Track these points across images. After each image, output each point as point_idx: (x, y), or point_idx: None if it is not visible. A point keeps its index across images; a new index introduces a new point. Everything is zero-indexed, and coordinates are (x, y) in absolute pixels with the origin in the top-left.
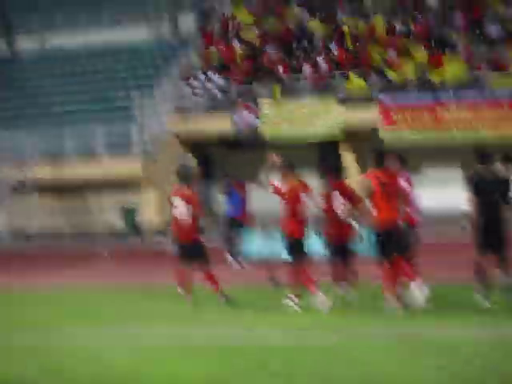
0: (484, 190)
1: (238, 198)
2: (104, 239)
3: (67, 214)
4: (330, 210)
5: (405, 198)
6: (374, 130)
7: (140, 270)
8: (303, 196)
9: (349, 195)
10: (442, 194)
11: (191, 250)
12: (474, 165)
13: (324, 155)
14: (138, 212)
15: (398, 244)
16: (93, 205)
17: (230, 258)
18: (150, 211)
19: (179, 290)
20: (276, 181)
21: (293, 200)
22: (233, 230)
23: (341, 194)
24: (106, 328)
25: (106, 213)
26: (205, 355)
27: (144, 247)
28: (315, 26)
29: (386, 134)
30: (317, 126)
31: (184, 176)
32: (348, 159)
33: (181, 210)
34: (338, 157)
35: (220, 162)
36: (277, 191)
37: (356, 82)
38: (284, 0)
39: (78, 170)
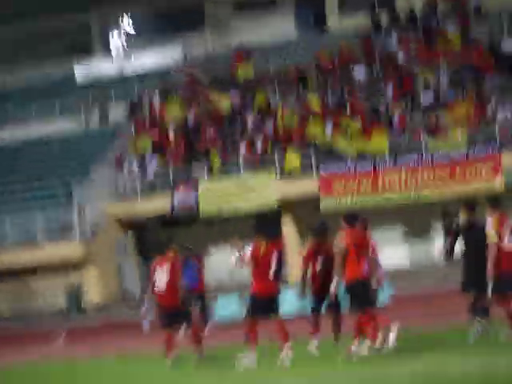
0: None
1: (195, 270)
2: (49, 320)
3: (10, 299)
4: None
5: (374, 257)
6: (314, 201)
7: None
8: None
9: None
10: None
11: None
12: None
13: (261, 225)
14: (82, 291)
15: (367, 297)
16: (36, 288)
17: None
18: (92, 290)
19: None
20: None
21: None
22: (192, 301)
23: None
24: None
25: (50, 295)
26: None
27: (90, 324)
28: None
29: (327, 203)
30: (254, 200)
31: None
32: (288, 229)
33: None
34: (277, 226)
35: (158, 241)
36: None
37: (293, 156)
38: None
39: (19, 256)
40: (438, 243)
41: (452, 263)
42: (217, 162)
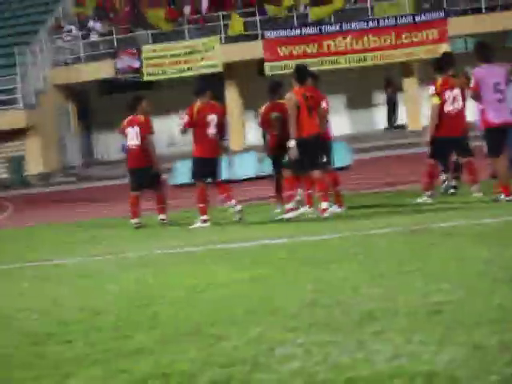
0: None
1: None
2: None
3: None
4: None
5: (324, 115)
6: (259, 65)
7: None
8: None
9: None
10: None
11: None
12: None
13: (202, 87)
14: (24, 161)
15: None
16: None
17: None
18: (34, 160)
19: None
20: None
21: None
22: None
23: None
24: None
25: None
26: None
27: (33, 193)
28: None
29: (272, 67)
30: (199, 64)
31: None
32: (232, 95)
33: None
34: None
35: (102, 108)
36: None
37: (238, 20)
38: None
39: None
40: (380, 111)
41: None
42: (161, 24)
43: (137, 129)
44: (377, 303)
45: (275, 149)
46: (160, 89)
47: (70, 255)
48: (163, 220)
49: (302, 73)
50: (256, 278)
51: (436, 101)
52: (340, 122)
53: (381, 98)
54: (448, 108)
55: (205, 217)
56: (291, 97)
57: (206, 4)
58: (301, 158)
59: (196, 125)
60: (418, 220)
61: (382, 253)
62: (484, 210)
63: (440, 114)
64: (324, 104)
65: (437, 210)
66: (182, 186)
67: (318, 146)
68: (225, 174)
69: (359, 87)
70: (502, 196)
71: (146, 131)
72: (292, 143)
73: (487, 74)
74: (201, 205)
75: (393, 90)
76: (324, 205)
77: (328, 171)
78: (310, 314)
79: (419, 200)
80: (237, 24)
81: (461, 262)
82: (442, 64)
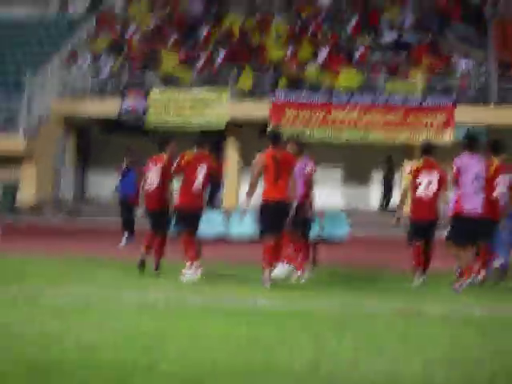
0: None
1: (133, 178)
2: None
3: None
4: None
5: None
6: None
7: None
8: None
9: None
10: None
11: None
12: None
13: (203, 140)
14: (18, 189)
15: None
16: None
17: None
18: (28, 189)
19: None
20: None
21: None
22: (124, 208)
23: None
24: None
25: None
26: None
27: (23, 224)
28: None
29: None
30: (204, 116)
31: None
32: (231, 150)
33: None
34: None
35: (101, 146)
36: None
37: (249, 76)
38: None
39: None
40: (376, 190)
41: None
42: (173, 70)
43: (159, 169)
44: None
45: None
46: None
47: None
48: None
49: (276, 135)
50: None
51: (407, 183)
52: (335, 196)
53: (378, 177)
54: (420, 191)
55: (196, 263)
56: (260, 157)
57: (223, 56)
58: (262, 220)
59: (184, 174)
60: (407, 302)
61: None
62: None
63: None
64: (308, 168)
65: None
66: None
67: (278, 212)
68: (220, 230)
69: (358, 162)
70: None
71: (167, 173)
72: (245, 203)
73: (468, 163)
74: (189, 253)
75: (391, 170)
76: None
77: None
78: None
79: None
80: (247, 80)
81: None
82: (428, 148)
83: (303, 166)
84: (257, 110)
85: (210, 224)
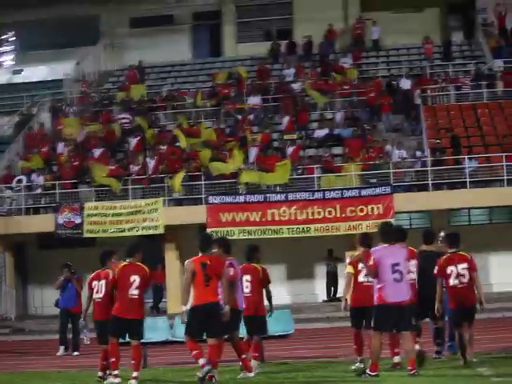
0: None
1: (73, 290)
2: None
3: None
4: None
5: (230, 283)
6: (201, 228)
7: None
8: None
9: None
10: None
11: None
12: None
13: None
14: None
15: (212, 325)
16: None
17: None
18: None
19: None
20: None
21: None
22: (67, 320)
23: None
24: None
25: None
26: None
27: None
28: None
29: (214, 233)
30: (140, 225)
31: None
32: (171, 256)
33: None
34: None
35: (40, 261)
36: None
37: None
38: (105, 105)
39: None
40: (320, 283)
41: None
42: (104, 181)
43: (103, 282)
44: None
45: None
46: (103, 246)
47: None
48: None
49: (203, 240)
50: None
51: (350, 270)
52: (280, 292)
53: (321, 269)
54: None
55: (116, 372)
56: (188, 264)
57: (153, 165)
58: (193, 324)
59: (118, 284)
60: None
61: None
62: None
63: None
64: (232, 271)
65: None
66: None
67: (209, 315)
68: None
69: (301, 258)
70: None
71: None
72: (183, 308)
73: (385, 254)
74: (112, 359)
75: (334, 262)
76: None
77: (225, 339)
78: None
79: (353, 367)
80: (177, 183)
81: None
82: (367, 238)
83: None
84: (193, 214)
85: (155, 330)
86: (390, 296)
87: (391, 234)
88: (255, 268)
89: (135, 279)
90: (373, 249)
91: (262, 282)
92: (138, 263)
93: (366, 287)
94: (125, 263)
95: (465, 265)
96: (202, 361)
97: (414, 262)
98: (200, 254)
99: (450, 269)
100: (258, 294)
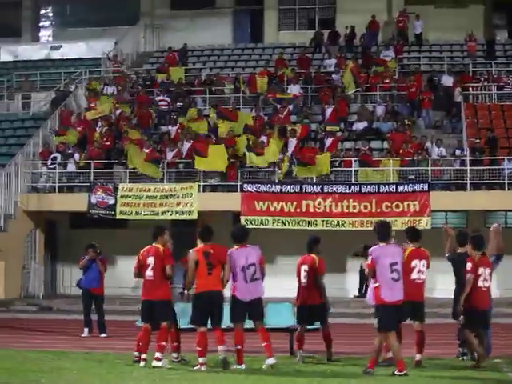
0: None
1: (97, 271)
2: None
3: None
4: None
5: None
6: (236, 216)
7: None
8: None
9: None
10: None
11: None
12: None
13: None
14: None
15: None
16: None
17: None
18: None
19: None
20: None
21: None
22: (90, 301)
23: None
24: None
25: None
26: None
27: None
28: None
29: (248, 221)
30: (174, 209)
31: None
32: None
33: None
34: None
35: (71, 240)
36: None
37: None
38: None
39: None
40: (352, 278)
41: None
42: (140, 166)
43: (153, 259)
44: None
45: None
46: (135, 229)
47: None
48: (176, 359)
49: (205, 231)
50: None
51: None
52: None
53: (354, 264)
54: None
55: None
56: (191, 254)
57: (187, 149)
58: (196, 312)
59: (141, 267)
60: None
61: None
62: None
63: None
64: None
65: None
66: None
67: (212, 303)
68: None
69: (334, 251)
70: (396, 371)
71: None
72: (185, 292)
73: (383, 253)
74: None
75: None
76: (200, 360)
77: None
78: None
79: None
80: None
81: None
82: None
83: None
84: (227, 201)
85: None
86: (388, 296)
87: (389, 231)
88: (313, 259)
89: (151, 261)
90: (371, 248)
91: (315, 273)
92: (157, 245)
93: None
94: (148, 246)
95: (489, 269)
96: (201, 360)
97: (424, 262)
98: (202, 244)
99: (481, 270)
100: (313, 284)
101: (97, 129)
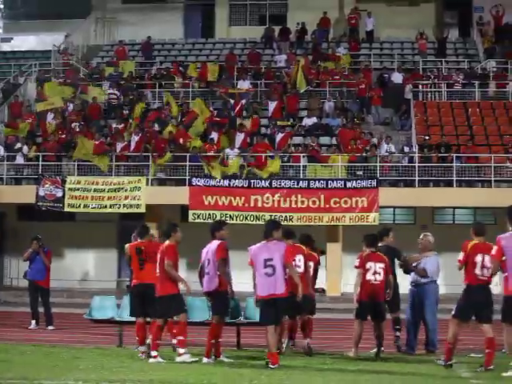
0: None
1: (41, 263)
2: None
3: None
4: None
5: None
6: (183, 210)
7: None
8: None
9: None
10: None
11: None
12: None
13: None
14: None
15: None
16: None
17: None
18: None
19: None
20: None
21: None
22: (37, 293)
23: None
24: None
25: None
26: None
27: None
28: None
29: (196, 214)
30: (122, 202)
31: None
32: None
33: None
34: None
35: (18, 232)
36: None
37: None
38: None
39: None
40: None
41: None
42: (89, 158)
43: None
44: None
45: None
46: (82, 222)
47: None
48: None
49: (141, 229)
50: None
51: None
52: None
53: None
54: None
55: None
56: (126, 249)
57: (135, 142)
58: (132, 304)
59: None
60: None
61: None
62: None
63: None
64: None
65: None
66: (97, 321)
67: (144, 295)
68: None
69: None
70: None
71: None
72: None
73: (259, 250)
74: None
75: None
76: (180, 350)
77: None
78: None
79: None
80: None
81: None
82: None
83: None
84: (176, 195)
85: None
86: (261, 291)
87: (269, 230)
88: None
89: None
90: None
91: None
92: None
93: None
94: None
95: (381, 264)
96: (142, 348)
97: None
98: (137, 240)
99: (369, 265)
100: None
101: (49, 121)
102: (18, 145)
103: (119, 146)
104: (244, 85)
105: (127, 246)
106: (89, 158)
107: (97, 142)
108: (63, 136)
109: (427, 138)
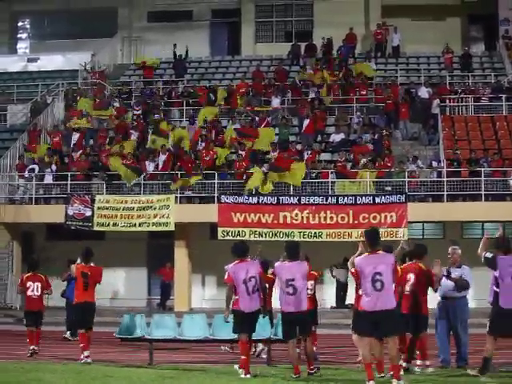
0: None
1: None
2: None
3: None
4: None
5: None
6: (212, 227)
7: None
8: None
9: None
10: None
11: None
12: None
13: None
14: None
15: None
16: None
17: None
18: None
19: None
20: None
21: None
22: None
23: None
24: None
25: None
26: None
27: None
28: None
29: (225, 232)
30: (151, 221)
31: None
32: (180, 254)
33: None
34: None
35: (47, 252)
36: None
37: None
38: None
39: None
40: (330, 289)
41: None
42: (121, 170)
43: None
44: None
45: None
46: (112, 241)
47: None
48: None
49: (86, 253)
50: None
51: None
52: None
53: (331, 275)
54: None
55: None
56: (72, 269)
57: (162, 162)
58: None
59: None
60: None
61: None
62: None
63: None
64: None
65: None
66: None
67: (84, 311)
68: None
69: (311, 262)
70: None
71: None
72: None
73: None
74: None
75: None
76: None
77: None
78: None
79: None
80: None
81: None
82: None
83: None
84: (204, 213)
85: (163, 327)
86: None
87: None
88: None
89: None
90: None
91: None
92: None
93: None
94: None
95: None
96: (85, 353)
97: (410, 276)
98: (81, 264)
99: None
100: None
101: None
102: (35, 166)
103: (151, 164)
104: (274, 103)
105: (74, 266)
106: (120, 169)
107: (129, 162)
108: (89, 156)
109: (457, 152)
